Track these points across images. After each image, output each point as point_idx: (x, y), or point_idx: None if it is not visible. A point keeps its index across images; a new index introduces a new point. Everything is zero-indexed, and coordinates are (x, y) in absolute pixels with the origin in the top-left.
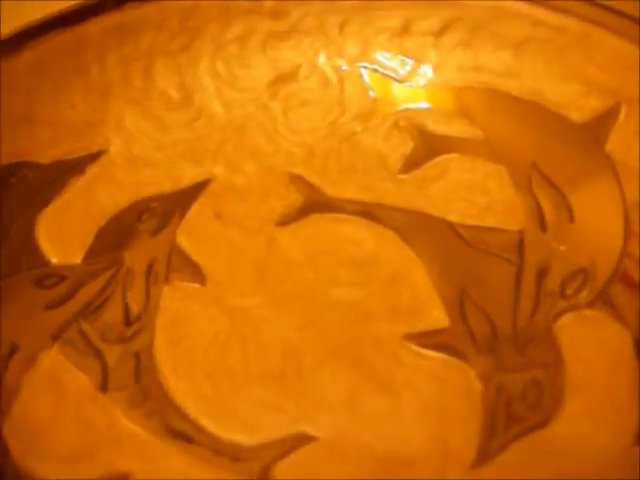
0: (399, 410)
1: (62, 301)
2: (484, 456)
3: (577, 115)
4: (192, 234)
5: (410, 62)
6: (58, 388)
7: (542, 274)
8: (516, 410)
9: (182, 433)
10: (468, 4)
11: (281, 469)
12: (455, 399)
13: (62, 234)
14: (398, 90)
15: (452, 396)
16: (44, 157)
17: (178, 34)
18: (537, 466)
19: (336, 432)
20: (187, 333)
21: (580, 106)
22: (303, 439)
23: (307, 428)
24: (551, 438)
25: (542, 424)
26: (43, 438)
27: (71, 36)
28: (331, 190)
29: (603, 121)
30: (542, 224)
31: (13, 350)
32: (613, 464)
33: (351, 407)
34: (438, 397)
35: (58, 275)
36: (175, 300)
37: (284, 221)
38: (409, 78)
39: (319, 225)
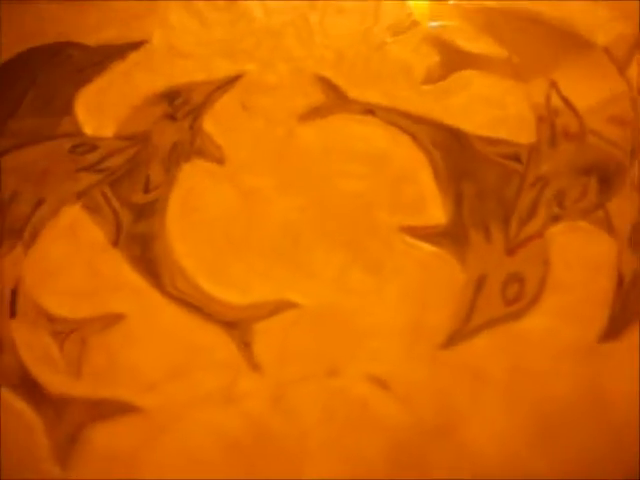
0: (382, 290)
1: (90, 167)
2: (453, 339)
3: (603, 39)
4: (218, 121)
5: None
6: (75, 238)
7: (544, 185)
8: (493, 302)
9: (179, 289)
10: None
11: (261, 329)
12: (436, 287)
13: (98, 110)
14: (432, 6)
15: (434, 284)
16: (91, 40)
17: None
18: (501, 355)
19: (320, 302)
20: (199, 205)
21: (607, 30)
22: (287, 305)
23: (293, 296)
24: (521, 330)
25: (515, 317)
26: (55, 276)
27: None
28: (355, 93)
29: (626, 45)
30: (552, 140)
31: (40, 202)
32: (575, 359)
33: (338, 282)
34: (421, 284)
35: (90, 144)
36: (193, 176)
37: (306, 117)
38: None
39: (338, 123)
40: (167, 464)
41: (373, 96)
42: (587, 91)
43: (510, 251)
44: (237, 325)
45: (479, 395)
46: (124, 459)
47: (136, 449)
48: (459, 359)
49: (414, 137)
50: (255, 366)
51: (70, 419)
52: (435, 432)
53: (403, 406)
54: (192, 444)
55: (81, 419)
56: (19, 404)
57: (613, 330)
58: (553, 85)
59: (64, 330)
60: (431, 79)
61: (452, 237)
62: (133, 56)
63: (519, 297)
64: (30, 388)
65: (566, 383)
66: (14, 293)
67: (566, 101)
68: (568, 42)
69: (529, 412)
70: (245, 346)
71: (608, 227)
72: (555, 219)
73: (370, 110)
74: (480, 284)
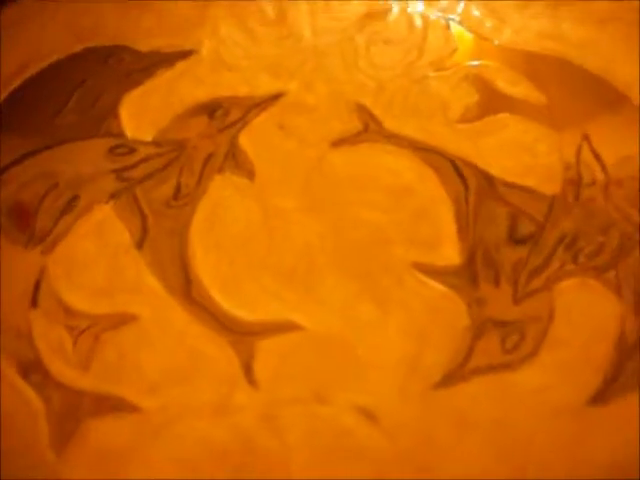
0: (386, 324)
1: (126, 169)
2: (447, 381)
3: (637, 96)
4: (254, 137)
5: (495, 21)
6: (102, 236)
7: (561, 239)
8: (492, 349)
9: (194, 297)
10: None
11: (264, 347)
12: (439, 327)
13: (141, 114)
14: (477, 45)
15: (437, 324)
16: (143, 45)
17: None
18: (490, 404)
19: (323, 328)
20: (224, 218)
21: None
22: (292, 326)
23: (299, 318)
24: (513, 382)
25: (511, 368)
26: (78, 272)
27: None
28: (390, 124)
29: None
30: (576, 194)
31: (74, 199)
32: (561, 419)
33: (344, 310)
34: (425, 322)
35: (129, 147)
36: (222, 188)
37: (339, 143)
38: (490, 36)
39: (369, 153)
40: (156, 467)
41: (408, 129)
42: (617, 148)
43: (517, 300)
44: (242, 340)
45: (462, 439)
46: (116, 455)
47: (129, 447)
48: (449, 401)
49: (441, 174)
50: (253, 382)
51: (72, 410)
52: (416, 467)
53: (387, 439)
54: (182, 450)
55: (82, 411)
56: (27, 390)
57: (604, 395)
58: (585, 138)
59: (79, 325)
60: (467, 118)
61: (463, 279)
62: (180, 65)
63: (517, 347)
64: (40, 376)
65: (548, 441)
66: (37, 284)
67: (597, 156)
68: (605, 95)
69: (508, 463)
70: (246, 361)
71: (617, 289)
72: (567, 274)
73: (402, 143)
74: (482, 329)
